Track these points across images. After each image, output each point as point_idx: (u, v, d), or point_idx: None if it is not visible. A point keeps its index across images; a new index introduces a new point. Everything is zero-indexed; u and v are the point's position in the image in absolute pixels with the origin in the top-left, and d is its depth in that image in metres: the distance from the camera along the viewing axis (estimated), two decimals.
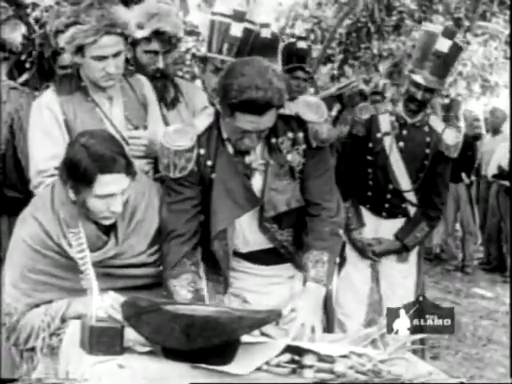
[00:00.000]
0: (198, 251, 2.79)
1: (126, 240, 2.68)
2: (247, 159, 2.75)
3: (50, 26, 3.07)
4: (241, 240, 2.85)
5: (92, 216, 2.61)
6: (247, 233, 2.84)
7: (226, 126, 2.69)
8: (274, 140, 2.74)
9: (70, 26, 2.91)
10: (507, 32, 12.82)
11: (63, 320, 2.61)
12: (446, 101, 8.35)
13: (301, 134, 2.75)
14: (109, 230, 2.68)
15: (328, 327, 2.98)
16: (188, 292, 2.66)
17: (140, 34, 3.31)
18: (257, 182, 2.77)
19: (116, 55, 2.95)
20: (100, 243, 2.65)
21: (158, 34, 3.36)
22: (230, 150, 2.74)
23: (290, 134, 2.75)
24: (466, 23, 12.49)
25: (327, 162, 2.85)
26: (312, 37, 12.53)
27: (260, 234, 2.83)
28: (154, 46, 3.38)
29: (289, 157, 2.75)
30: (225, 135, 2.73)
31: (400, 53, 12.26)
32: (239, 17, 4.00)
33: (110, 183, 2.53)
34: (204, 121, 2.78)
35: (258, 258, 2.90)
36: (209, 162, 2.73)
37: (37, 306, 2.63)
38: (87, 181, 2.51)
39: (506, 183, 8.83)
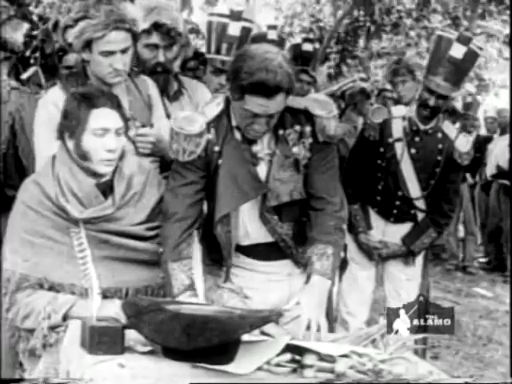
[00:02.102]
0: (195, 237, 2.84)
1: (122, 207, 2.72)
2: (254, 148, 2.79)
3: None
4: (241, 231, 2.86)
5: (90, 164, 2.66)
6: (248, 223, 2.86)
7: (235, 111, 2.72)
8: (281, 131, 2.78)
9: (79, 20, 2.93)
10: (506, 31, 12.81)
11: (65, 318, 2.62)
12: (469, 99, 8.27)
13: (308, 128, 2.78)
14: (105, 194, 2.71)
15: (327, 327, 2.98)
16: (187, 278, 2.69)
17: (140, 27, 3.33)
18: (261, 171, 2.80)
19: (124, 51, 2.97)
20: (97, 203, 2.69)
21: (157, 27, 3.37)
22: (238, 137, 2.78)
23: (298, 127, 2.78)
24: (465, 22, 12.47)
25: (333, 159, 2.88)
26: (311, 36, 12.55)
27: (260, 225, 2.85)
28: (154, 39, 3.39)
29: (294, 149, 2.78)
30: (234, 122, 2.76)
31: (396, 51, 12.28)
32: (236, 16, 4.01)
33: (102, 117, 2.63)
34: (214, 108, 2.81)
35: (257, 252, 2.91)
36: (216, 148, 2.76)
37: (40, 286, 2.65)
38: (81, 117, 2.63)
39: (506, 183, 8.81)
